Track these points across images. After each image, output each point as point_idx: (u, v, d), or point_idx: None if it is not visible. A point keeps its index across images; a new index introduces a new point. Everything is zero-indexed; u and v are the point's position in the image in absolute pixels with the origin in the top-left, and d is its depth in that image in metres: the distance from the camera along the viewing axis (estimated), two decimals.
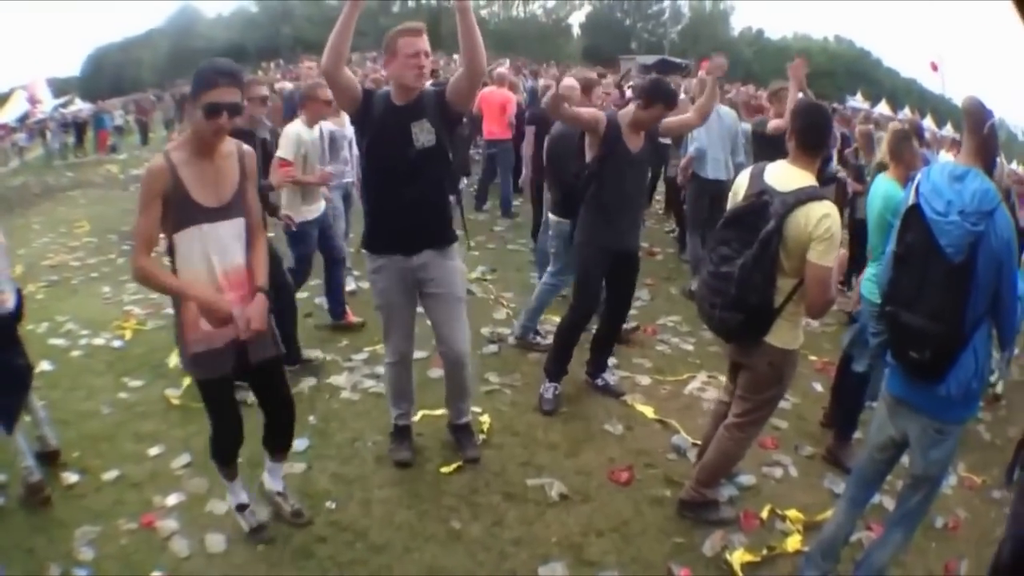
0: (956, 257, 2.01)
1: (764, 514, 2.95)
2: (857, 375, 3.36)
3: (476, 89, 2.99)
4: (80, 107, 23.28)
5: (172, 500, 2.89)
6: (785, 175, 2.45)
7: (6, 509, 2.87)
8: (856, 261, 5.40)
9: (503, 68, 8.68)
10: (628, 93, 7.56)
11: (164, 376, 4.00)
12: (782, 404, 3.67)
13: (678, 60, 28.16)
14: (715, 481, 2.89)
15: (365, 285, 4.27)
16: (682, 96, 7.69)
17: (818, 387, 4.26)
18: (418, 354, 3.76)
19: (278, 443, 2.70)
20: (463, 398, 3.17)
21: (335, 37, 2.48)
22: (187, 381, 3.72)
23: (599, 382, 3.93)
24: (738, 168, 5.14)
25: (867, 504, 2.58)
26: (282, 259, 3.98)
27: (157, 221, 2.17)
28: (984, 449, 3.83)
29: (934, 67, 20.59)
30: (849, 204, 6.07)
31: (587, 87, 4.45)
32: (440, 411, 3.46)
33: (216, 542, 2.65)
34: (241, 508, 2.69)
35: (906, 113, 22.23)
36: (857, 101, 26.89)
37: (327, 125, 4.48)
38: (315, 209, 4.32)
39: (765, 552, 2.71)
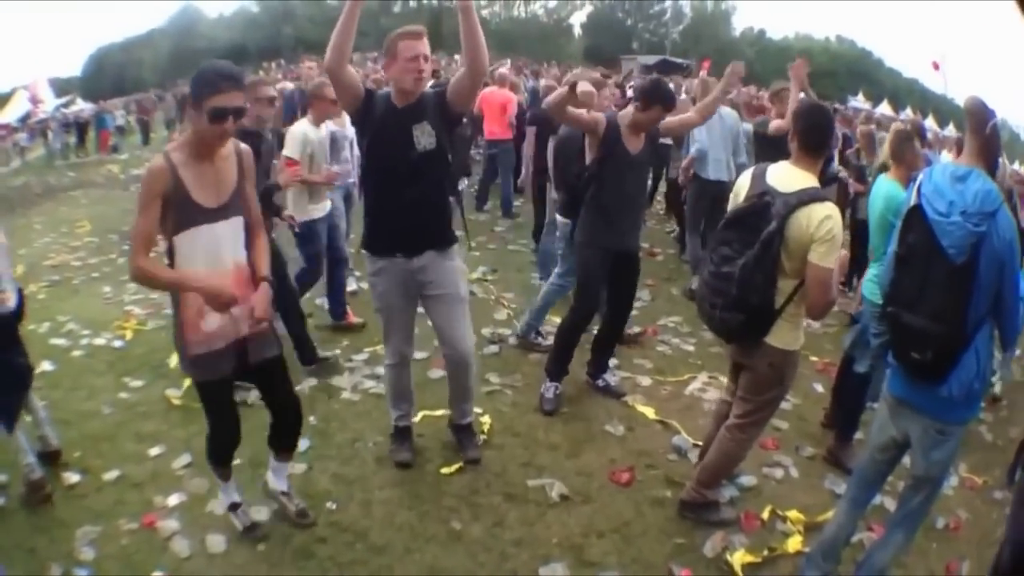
0: (958, 258, 2.01)
1: (765, 515, 2.94)
2: (858, 376, 3.36)
3: (478, 89, 2.98)
4: (82, 107, 23.31)
5: (173, 500, 2.89)
6: (787, 176, 2.45)
7: (7, 509, 2.87)
8: (858, 262, 5.40)
9: (504, 68, 8.68)
10: (630, 93, 7.56)
11: (165, 376, 4.00)
12: (783, 405, 3.66)
13: (679, 60, 28.16)
14: (716, 482, 2.89)
15: (366, 286, 4.27)
16: (683, 96, 7.72)
17: (819, 388, 4.25)
18: (418, 355, 3.77)
19: (284, 443, 2.70)
20: (466, 399, 3.16)
21: (337, 36, 2.48)
22: (188, 381, 3.72)
23: (600, 383, 3.93)
24: (740, 169, 5.13)
25: (868, 505, 2.58)
26: (286, 261, 3.99)
27: (157, 222, 2.16)
28: (986, 450, 3.83)
29: (935, 66, 20.54)
30: (851, 205, 6.06)
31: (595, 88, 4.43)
32: (440, 412, 3.46)
33: (217, 542, 2.65)
34: (234, 507, 2.70)
35: (908, 113, 22.20)
36: (859, 101, 26.86)
37: (328, 125, 4.48)
38: (322, 208, 4.34)
39: (766, 553, 2.71)
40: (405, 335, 3.05)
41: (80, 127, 19.72)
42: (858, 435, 3.48)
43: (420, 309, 3.04)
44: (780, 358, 2.53)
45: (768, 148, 4.67)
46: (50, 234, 8.16)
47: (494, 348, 4.46)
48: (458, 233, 2.97)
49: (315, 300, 4.99)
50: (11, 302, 2.84)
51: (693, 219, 5.69)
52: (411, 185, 2.74)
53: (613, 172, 3.41)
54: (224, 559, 2.59)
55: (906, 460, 2.46)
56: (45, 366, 4.12)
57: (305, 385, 3.87)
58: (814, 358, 4.60)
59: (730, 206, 2.62)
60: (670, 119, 3.58)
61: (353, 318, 4.74)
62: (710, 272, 2.53)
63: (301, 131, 4.15)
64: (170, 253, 2.27)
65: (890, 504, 2.90)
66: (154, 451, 3.27)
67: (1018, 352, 5.19)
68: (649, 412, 3.73)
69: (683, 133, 5.33)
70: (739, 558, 2.65)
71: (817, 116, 2.51)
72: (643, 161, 3.51)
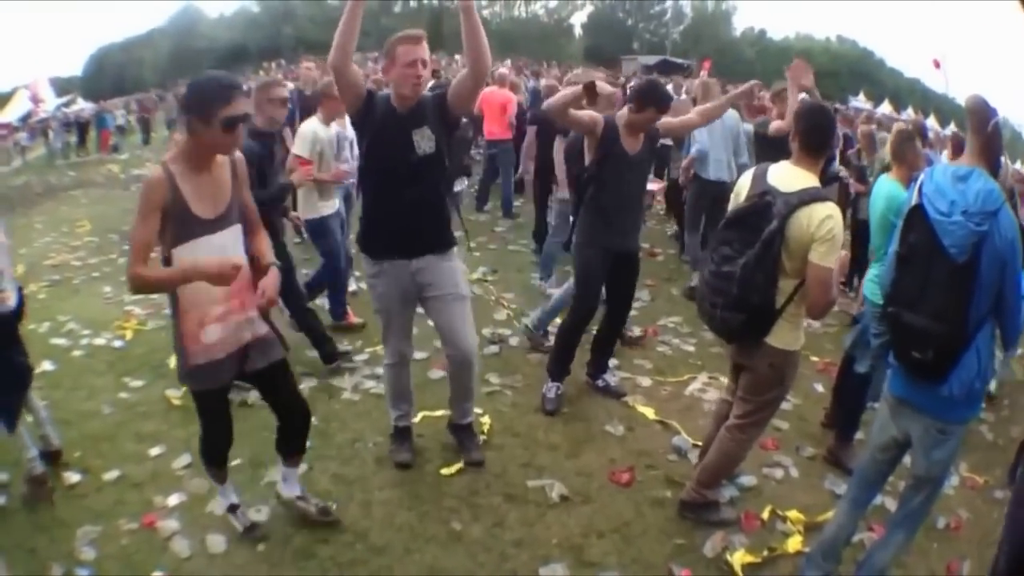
0: (959, 257, 2.01)
1: (765, 515, 2.94)
2: (859, 376, 3.36)
3: (480, 90, 2.98)
4: (82, 106, 23.34)
5: (173, 500, 2.90)
6: (788, 176, 2.45)
7: (8, 509, 2.87)
8: (859, 262, 5.40)
9: (504, 68, 8.69)
10: None
11: (165, 376, 4.00)
12: (783, 405, 3.65)
13: (680, 60, 28.21)
14: (716, 482, 2.89)
15: (365, 286, 4.28)
16: (683, 96, 7.72)
17: (819, 388, 4.25)
18: (418, 355, 3.77)
19: (292, 446, 2.68)
20: (468, 398, 3.16)
21: (340, 35, 2.48)
22: None
23: (600, 383, 3.93)
24: (741, 169, 5.13)
25: (869, 505, 2.58)
26: (294, 266, 4.00)
27: (156, 232, 2.14)
28: (986, 449, 3.82)
29: (936, 65, 20.51)
30: (851, 205, 6.06)
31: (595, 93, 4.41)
32: (440, 412, 3.46)
33: (217, 542, 2.65)
34: (232, 509, 2.70)
35: (909, 113, 22.20)
36: (860, 101, 26.86)
37: (335, 124, 4.48)
38: (331, 205, 4.37)
39: (766, 553, 2.71)
40: (404, 335, 3.05)
41: (81, 127, 19.74)
42: (859, 435, 3.48)
43: (419, 310, 3.04)
44: (780, 358, 2.53)
45: (769, 148, 4.67)
46: (51, 233, 8.16)
47: (494, 348, 4.46)
48: (457, 234, 2.97)
49: (315, 300, 4.99)
50: (11, 301, 2.84)
51: (693, 218, 5.69)
52: (410, 187, 2.74)
53: (612, 172, 3.41)
54: (224, 559, 2.59)
55: (907, 460, 2.46)
56: (45, 366, 4.13)
57: (305, 385, 3.87)
58: (814, 358, 4.59)
59: (731, 206, 2.62)
60: (671, 120, 3.58)
61: (353, 318, 4.74)
62: (711, 272, 2.52)
63: (311, 130, 4.16)
64: (167, 265, 2.24)
65: (891, 504, 2.90)
66: (154, 451, 3.27)
67: (1019, 351, 5.18)
68: (649, 412, 3.73)
69: (684, 134, 5.33)
70: (739, 558, 2.65)
71: (818, 116, 2.50)
72: (642, 161, 3.51)
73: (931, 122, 19.91)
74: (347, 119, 4.63)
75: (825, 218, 2.30)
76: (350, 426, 3.51)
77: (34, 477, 2.90)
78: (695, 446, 3.31)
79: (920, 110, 24.52)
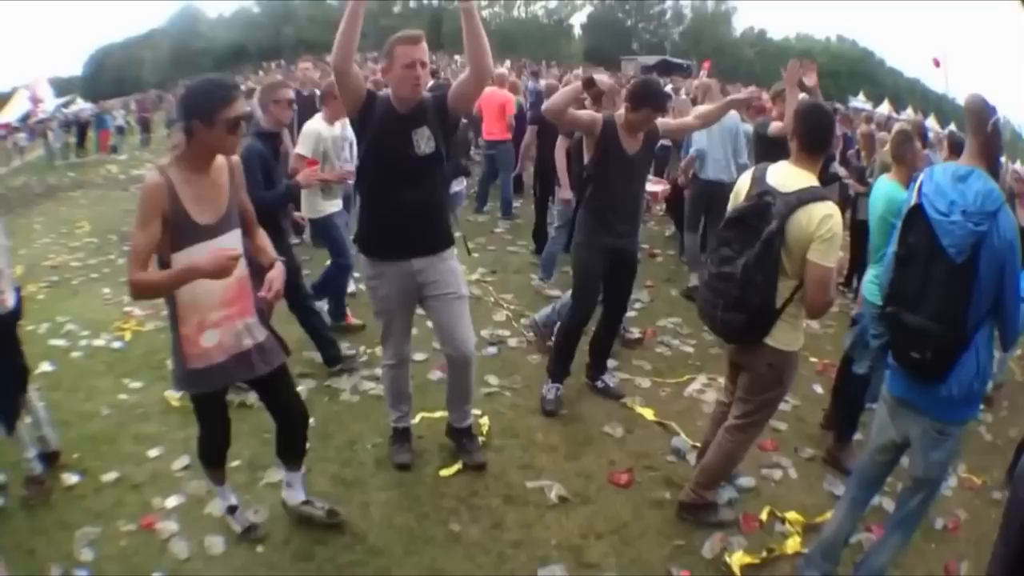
0: (958, 257, 2.01)
1: (764, 516, 2.94)
2: (858, 377, 3.34)
3: (480, 92, 2.99)
4: (82, 107, 23.35)
5: (172, 502, 2.89)
6: (787, 176, 2.45)
7: (7, 510, 2.87)
8: (858, 262, 5.40)
9: (503, 69, 8.69)
10: None
11: (164, 378, 3.98)
12: (782, 406, 3.66)
13: (680, 61, 28.21)
14: (715, 483, 2.89)
15: (364, 287, 4.28)
16: (683, 96, 7.72)
17: (818, 389, 4.25)
18: (417, 356, 3.77)
19: (292, 451, 2.68)
20: (467, 400, 3.15)
21: (342, 36, 2.47)
22: None
23: (599, 384, 3.93)
24: (741, 169, 5.13)
25: (867, 506, 2.58)
26: (299, 267, 4.00)
27: (157, 238, 2.12)
28: (984, 450, 3.83)
29: (936, 63, 20.53)
30: (851, 205, 6.07)
31: (599, 95, 4.40)
32: (439, 414, 3.46)
33: (216, 544, 2.65)
34: (231, 510, 2.70)
35: (909, 113, 22.22)
36: (860, 101, 26.90)
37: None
38: (335, 204, 4.38)
39: (765, 554, 2.71)
40: (404, 337, 3.05)
41: (80, 127, 19.73)
42: (857, 436, 3.49)
43: (418, 311, 3.04)
44: (780, 359, 2.53)
45: (769, 149, 4.66)
46: (50, 234, 8.16)
47: (493, 350, 4.46)
48: (456, 234, 2.97)
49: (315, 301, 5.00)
50: (9, 302, 2.84)
51: (692, 219, 5.69)
52: (410, 188, 2.74)
53: (611, 172, 3.41)
54: (223, 561, 2.59)
55: (905, 461, 2.46)
56: (44, 367, 4.13)
57: (304, 387, 3.87)
58: (813, 359, 4.60)
59: (730, 206, 2.62)
60: (669, 122, 3.57)
61: (352, 319, 4.74)
62: (711, 273, 2.52)
63: (315, 129, 4.16)
64: (165, 269, 2.22)
65: (889, 505, 2.90)
66: (153, 452, 3.27)
67: (1018, 352, 5.19)
68: (648, 414, 3.73)
69: (683, 136, 5.34)
70: (738, 559, 2.65)
71: (818, 116, 2.50)
72: (641, 161, 3.51)
73: (931, 122, 19.93)
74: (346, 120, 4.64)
75: (824, 217, 2.30)
76: (349, 428, 3.51)
77: (32, 478, 2.92)
78: (694, 447, 3.31)
79: (920, 110, 24.54)
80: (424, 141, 2.71)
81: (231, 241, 2.28)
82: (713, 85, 6.18)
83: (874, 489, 2.56)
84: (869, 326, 2.81)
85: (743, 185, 2.60)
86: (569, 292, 4.43)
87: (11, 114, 22.06)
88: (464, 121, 3.72)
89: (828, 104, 3.31)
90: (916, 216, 2.14)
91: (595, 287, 3.68)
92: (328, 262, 4.78)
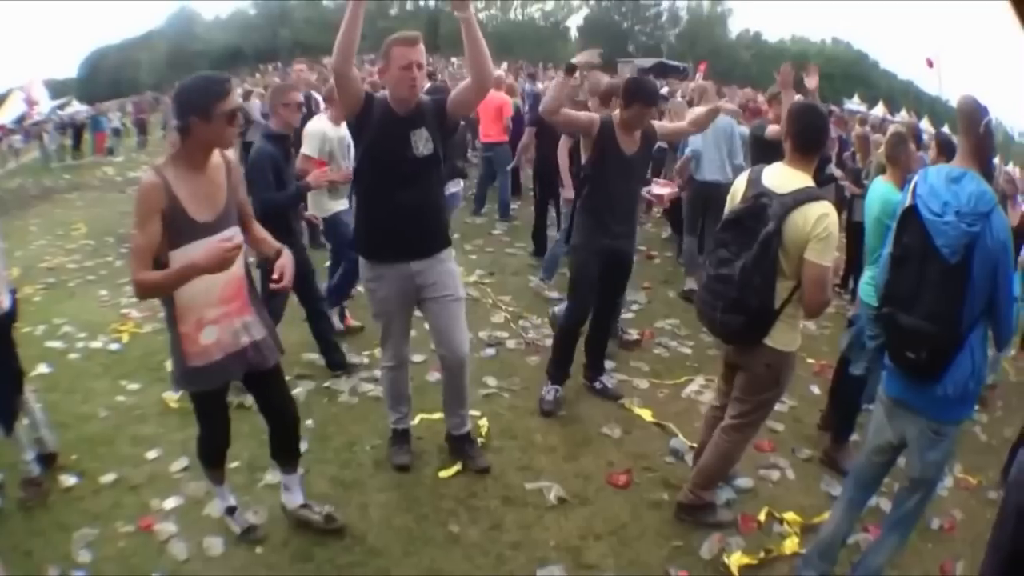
0: (952, 258, 2.03)
1: (761, 517, 2.95)
2: (854, 378, 3.37)
3: (482, 99, 3.01)
4: (78, 109, 23.27)
5: (170, 503, 2.89)
6: (783, 177, 2.46)
7: (4, 512, 2.86)
8: (854, 264, 5.42)
9: (500, 71, 8.71)
10: None
11: (162, 379, 3.98)
12: (779, 407, 3.69)
13: (676, 63, 28.23)
14: (712, 484, 2.90)
15: (362, 288, 4.28)
16: (679, 99, 7.75)
17: (815, 390, 4.27)
18: (417, 358, 3.78)
19: (285, 452, 2.68)
20: (463, 404, 3.16)
21: (342, 37, 2.48)
22: None
23: (597, 385, 3.94)
24: (737, 170, 5.15)
25: (864, 506, 2.59)
26: (314, 269, 4.01)
27: (157, 237, 2.12)
28: (980, 450, 3.85)
29: (930, 64, 20.63)
30: (847, 207, 6.09)
31: (608, 94, 4.41)
32: (438, 415, 3.46)
33: (214, 545, 2.65)
34: (230, 511, 2.70)
35: (904, 115, 22.31)
36: (855, 104, 26.99)
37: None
38: (342, 203, 4.39)
39: (763, 554, 2.72)
40: (403, 338, 3.05)
41: (76, 129, 19.66)
42: (854, 437, 3.50)
43: (416, 312, 3.05)
44: (777, 359, 2.54)
45: (765, 151, 4.69)
46: (46, 236, 8.14)
47: (491, 351, 4.47)
48: (454, 236, 2.98)
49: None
50: (5, 304, 2.84)
51: (690, 221, 5.71)
52: (409, 189, 2.74)
53: (608, 173, 3.42)
54: (222, 562, 2.59)
55: (901, 461, 2.48)
56: (41, 369, 4.12)
57: (303, 388, 3.87)
58: (811, 360, 4.61)
59: (727, 208, 2.63)
60: (666, 124, 3.59)
61: (351, 321, 4.74)
62: (709, 275, 2.54)
63: (320, 129, 4.16)
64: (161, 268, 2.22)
65: (886, 505, 2.92)
66: (151, 454, 3.26)
67: (1012, 352, 5.22)
68: (646, 415, 3.74)
69: (678, 139, 5.35)
70: (736, 560, 2.66)
71: (811, 116, 2.51)
72: (639, 163, 3.52)
73: (925, 124, 20.01)
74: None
75: (820, 217, 2.31)
76: (348, 429, 3.51)
77: (30, 480, 2.91)
78: (692, 448, 3.31)
79: (914, 112, 24.64)
80: (422, 143, 2.72)
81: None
82: (709, 87, 6.22)
83: (871, 490, 2.57)
84: (865, 327, 2.84)
85: (739, 187, 2.61)
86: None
87: (6, 116, 21.94)
88: (461, 123, 3.73)
89: (824, 106, 3.33)
90: (910, 217, 2.16)
91: (591, 289, 3.69)
92: (327, 264, 4.80)
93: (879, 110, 25.08)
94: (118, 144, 19.45)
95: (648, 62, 27.50)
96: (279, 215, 3.47)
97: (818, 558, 2.53)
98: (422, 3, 47.69)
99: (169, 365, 3.99)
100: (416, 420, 3.44)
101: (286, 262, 2.34)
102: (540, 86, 7.89)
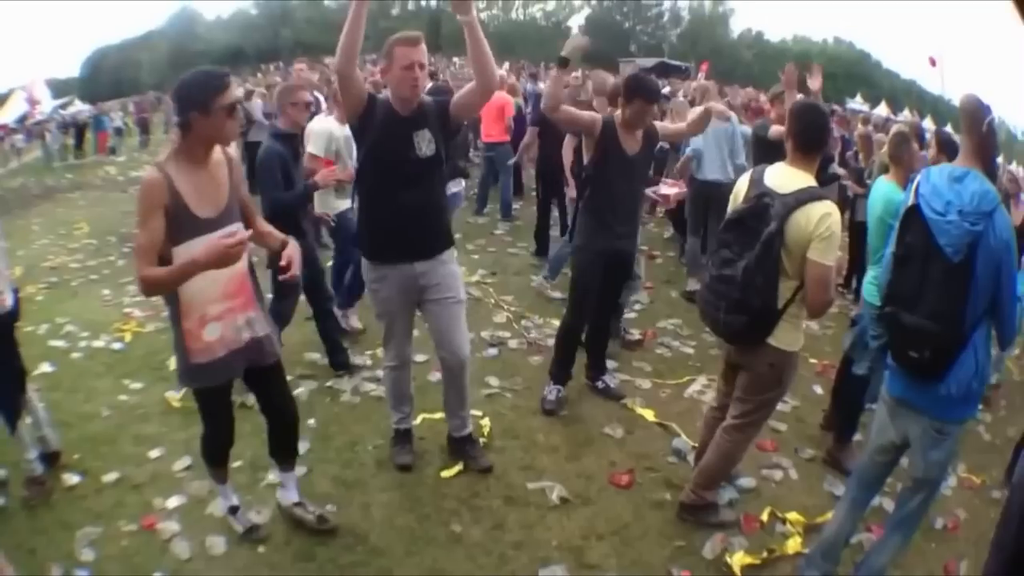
0: (955, 257, 2.02)
1: (764, 516, 2.95)
2: (857, 378, 3.36)
3: (486, 102, 3.01)
4: (79, 108, 23.28)
5: (173, 502, 2.90)
6: (785, 177, 2.46)
7: (8, 510, 2.87)
8: (857, 264, 5.41)
9: (502, 71, 8.71)
10: None
11: (164, 379, 3.99)
12: (782, 407, 3.69)
13: (678, 63, 28.23)
14: (714, 484, 2.90)
15: (366, 290, 4.29)
16: (680, 99, 7.74)
17: (818, 390, 4.26)
18: (419, 358, 3.77)
19: (284, 450, 2.69)
20: (463, 405, 3.16)
21: (346, 37, 2.47)
22: None
23: (599, 384, 3.94)
24: (739, 170, 5.15)
25: (867, 506, 2.59)
26: (323, 269, 4.02)
27: (160, 233, 2.11)
28: (984, 450, 3.84)
29: (932, 62, 20.57)
30: (849, 207, 6.08)
31: (615, 94, 4.39)
32: (440, 415, 3.46)
33: (217, 544, 2.65)
34: (233, 510, 2.70)
35: (906, 115, 22.28)
36: (857, 103, 26.96)
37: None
38: (346, 202, 4.41)
39: (765, 554, 2.72)
40: (406, 338, 3.05)
41: (78, 128, 19.68)
42: (857, 437, 3.50)
43: (416, 313, 3.05)
44: (781, 359, 2.54)
45: (768, 151, 4.67)
46: (48, 236, 8.15)
47: (493, 351, 4.47)
48: (456, 236, 2.98)
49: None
50: (8, 303, 2.84)
51: (693, 221, 5.70)
52: (412, 190, 2.74)
53: (610, 173, 3.42)
54: (224, 561, 2.59)
55: (904, 461, 2.47)
56: (44, 368, 4.13)
57: (305, 388, 3.87)
58: (813, 360, 4.61)
59: (729, 208, 2.63)
60: (668, 126, 3.58)
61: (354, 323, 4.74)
62: (712, 275, 2.54)
63: (326, 128, 4.17)
64: (164, 264, 2.22)
65: (889, 505, 2.91)
66: (154, 453, 3.27)
67: (1016, 351, 5.21)
68: (648, 414, 3.74)
69: (679, 140, 5.34)
70: (739, 560, 2.66)
71: (812, 115, 2.51)
72: (641, 163, 3.51)
73: (927, 123, 19.99)
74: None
75: (823, 216, 2.31)
76: (350, 429, 3.51)
77: (33, 478, 2.92)
78: (694, 448, 3.31)
79: (916, 111, 24.61)
80: (425, 144, 2.72)
81: None
82: (711, 87, 6.21)
83: (874, 490, 2.57)
84: (868, 327, 2.83)
85: (742, 187, 2.61)
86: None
87: (8, 115, 21.97)
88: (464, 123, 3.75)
89: (826, 105, 3.32)
90: (913, 216, 2.15)
91: (593, 290, 3.67)
92: (329, 263, 4.80)
93: (882, 110, 25.05)
94: (120, 143, 19.50)
95: (650, 62, 27.47)
96: (288, 214, 3.48)
97: (821, 558, 2.53)
98: (424, 3, 47.77)
99: (172, 364, 4.03)
100: (418, 420, 3.44)
101: (293, 252, 2.34)
102: (542, 86, 7.89)
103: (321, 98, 6.67)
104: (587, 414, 3.73)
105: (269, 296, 3.82)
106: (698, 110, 3.82)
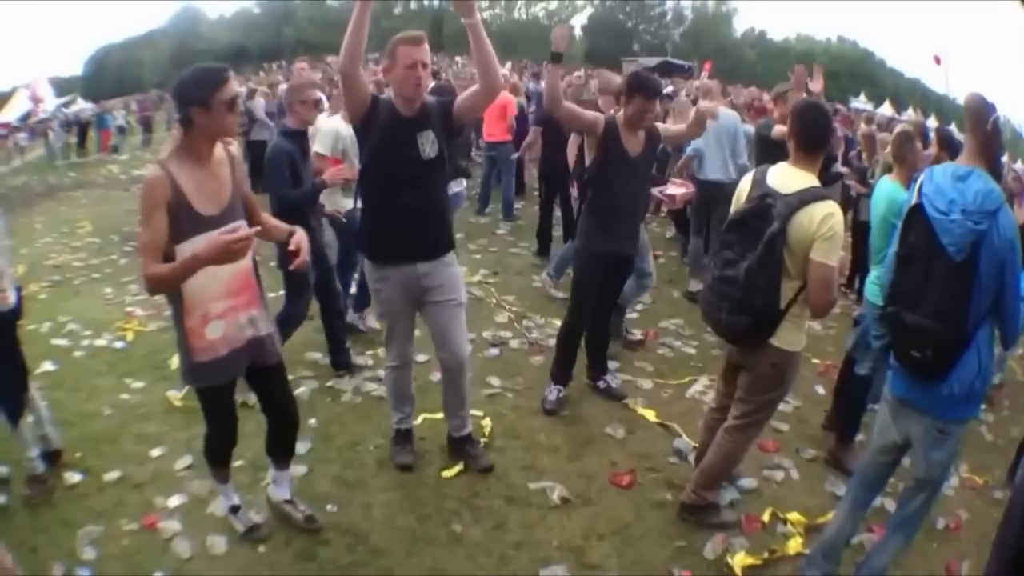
0: (958, 256, 2.02)
1: (765, 517, 2.95)
2: (859, 378, 3.35)
3: (490, 104, 3.01)
4: (82, 107, 23.34)
5: (174, 501, 2.90)
6: (787, 177, 2.45)
7: (9, 508, 2.88)
8: (860, 263, 5.40)
9: (504, 70, 8.71)
10: None
11: (166, 378, 4.00)
12: (784, 407, 3.68)
13: (681, 62, 28.20)
14: (716, 484, 2.89)
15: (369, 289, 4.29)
16: (683, 98, 7.72)
17: (820, 390, 4.25)
18: (420, 358, 3.77)
19: (281, 449, 2.69)
20: (463, 406, 3.16)
21: (350, 38, 2.47)
22: None
23: (601, 384, 3.93)
24: (740, 169, 5.14)
25: (869, 506, 2.59)
26: (332, 266, 4.02)
27: (164, 230, 2.11)
28: (986, 450, 3.83)
29: (937, 60, 20.50)
30: (852, 206, 6.07)
31: (620, 94, 4.38)
32: (441, 415, 3.46)
33: (218, 544, 2.65)
34: (234, 510, 2.70)
35: (910, 114, 22.21)
36: (861, 102, 26.88)
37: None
38: (350, 202, 4.39)
39: (766, 555, 2.71)
40: (408, 338, 3.05)
41: (81, 127, 19.73)
42: (859, 437, 3.49)
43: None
44: (783, 359, 2.54)
45: (771, 150, 4.66)
46: (51, 234, 8.17)
47: (495, 351, 4.46)
48: (458, 236, 2.97)
49: (316, 304, 4.99)
50: (11, 300, 2.85)
51: (696, 222, 5.69)
52: (414, 191, 2.74)
53: (613, 175, 3.41)
54: (225, 560, 2.60)
55: (906, 461, 2.47)
56: (46, 366, 4.14)
57: (306, 387, 3.88)
58: (815, 360, 4.60)
59: (732, 209, 2.62)
60: (669, 128, 3.57)
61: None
62: (714, 276, 2.53)
63: (333, 128, 4.18)
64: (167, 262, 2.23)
65: (890, 505, 2.90)
66: (155, 452, 3.27)
67: (1019, 351, 5.19)
68: (650, 415, 3.73)
69: (680, 142, 5.32)
70: (740, 560, 2.65)
71: (814, 115, 2.50)
72: (643, 164, 3.49)
73: (931, 123, 19.92)
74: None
75: (825, 216, 2.31)
76: (351, 429, 3.51)
77: (35, 477, 2.93)
78: (695, 448, 3.31)
79: (920, 110, 24.54)
80: (429, 145, 2.72)
81: None
82: (714, 86, 6.18)
83: (876, 490, 2.56)
84: (871, 327, 2.82)
85: (744, 187, 2.60)
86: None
87: (11, 114, 22.03)
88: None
89: (829, 105, 3.31)
90: (916, 215, 2.15)
91: (593, 292, 3.66)
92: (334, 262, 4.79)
93: (886, 109, 24.98)
94: (123, 142, 19.52)
95: (653, 61, 27.45)
96: (296, 212, 3.48)
97: (822, 558, 2.52)
98: (426, 2, 47.75)
99: (173, 363, 4.04)
100: (419, 420, 3.44)
101: (301, 238, 2.35)
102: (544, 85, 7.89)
103: (323, 97, 6.66)
104: (588, 414, 3.72)
105: (280, 293, 3.84)
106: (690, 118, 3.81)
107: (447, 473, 3.12)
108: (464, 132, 4.42)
